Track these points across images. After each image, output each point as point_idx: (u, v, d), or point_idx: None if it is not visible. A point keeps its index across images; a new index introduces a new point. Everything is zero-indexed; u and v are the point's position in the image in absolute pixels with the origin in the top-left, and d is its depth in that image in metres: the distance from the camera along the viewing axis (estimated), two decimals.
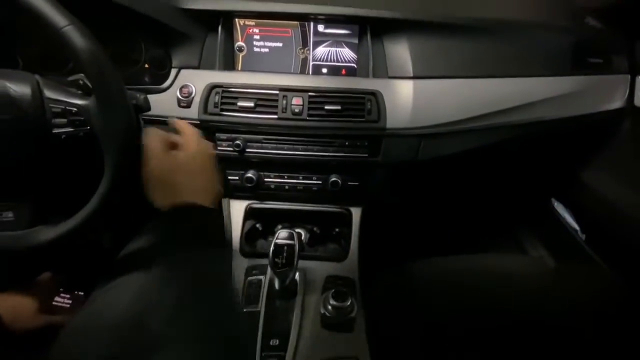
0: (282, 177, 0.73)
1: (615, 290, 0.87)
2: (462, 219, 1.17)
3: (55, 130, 0.47)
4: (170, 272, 0.38)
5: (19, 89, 0.45)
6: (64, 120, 0.47)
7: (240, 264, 0.71)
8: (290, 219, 0.78)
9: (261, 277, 0.67)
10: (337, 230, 0.77)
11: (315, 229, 0.77)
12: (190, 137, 0.49)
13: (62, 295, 0.69)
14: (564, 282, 0.98)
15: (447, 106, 0.69)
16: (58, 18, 0.41)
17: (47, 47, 0.66)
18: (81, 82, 0.49)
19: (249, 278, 0.68)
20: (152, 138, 0.47)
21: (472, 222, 1.16)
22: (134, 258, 0.43)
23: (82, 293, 0.71)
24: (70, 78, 0.49)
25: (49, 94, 0.47)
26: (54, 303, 0.68)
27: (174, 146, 0.49)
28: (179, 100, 0.66)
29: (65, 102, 0.47)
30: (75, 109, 0.46)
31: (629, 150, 0.82)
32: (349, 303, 0.59)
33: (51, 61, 0.66)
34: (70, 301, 0.68)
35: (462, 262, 0.90)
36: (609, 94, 0.78)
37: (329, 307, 0.59)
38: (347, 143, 0.69)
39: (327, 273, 0.70)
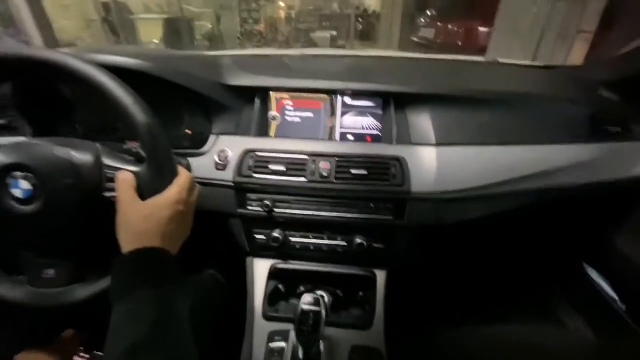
0: (308, 237, 0.74)
1: None
2: (492, 284, 1.12)
3: (107, 194, 0.51)
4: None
5: (82, 156, 0.50)
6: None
7: (262, 329, 0.69)
8: (313, 281, 0.77)
9: (284, 344, 0.65)
10: (361, 294, 0.75)
11: (338, 292, 0.75)
12: (180, 183, 0.49)
13: (81, 355, 0.68)
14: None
15: (471, 172, 0.70)
16: (124, 97, 0.48)
17: (103, 116, 0.74)
18: (134, 149, 0.54)
19: (271, 345, 0.65)
20: (123, 184, 0.47)
21: (502, 287, 1.11)
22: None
23: (101, 354, 0.69)
24: (126, 146, 0.55)
25: (107, 161, 0.51)
26: None
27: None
28: (216, 164, 0.70)
29: (120, 169, 0.51)
30: None
31: None
32: None
33: (105, 127, 0.74)
34: None
35: (495, 331, 0.84)
36: (633, 160, 0.79)
37: None
38: (372, 205, 0.70)
39: (352, 342, 0.67)
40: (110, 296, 0.40)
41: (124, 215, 0.45)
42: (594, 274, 1.02)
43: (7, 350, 0.59)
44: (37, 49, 0.50)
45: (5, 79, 0.61)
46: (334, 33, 6.42)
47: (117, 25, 4.71)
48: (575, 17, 2.64)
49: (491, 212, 0.73)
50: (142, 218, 0.45)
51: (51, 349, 0.62)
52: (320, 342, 0.61)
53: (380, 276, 0.75)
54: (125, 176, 0.48)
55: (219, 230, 0.76)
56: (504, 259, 1.12)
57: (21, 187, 0.48)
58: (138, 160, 0.53)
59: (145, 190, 0.49)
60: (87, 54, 0.61)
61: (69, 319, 0.71)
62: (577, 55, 2.64)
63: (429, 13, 4.99)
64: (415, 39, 5.00)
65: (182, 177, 0.50)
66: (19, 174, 0.48)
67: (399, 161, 0.69)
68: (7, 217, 0.49)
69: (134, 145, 0.54)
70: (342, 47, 6.51)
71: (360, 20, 7.41)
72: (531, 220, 0.95)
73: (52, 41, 1.51)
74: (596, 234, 0.93)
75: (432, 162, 0.70)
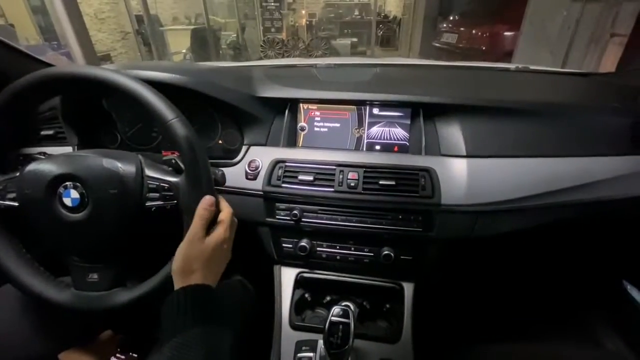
0: (334, 248, 0.74)
1: None
2: (526, 300, 1.07)
3: (148, 204, 0.53)
4: None
5: (127, 167, 0.53)
6: (157, 195, 0.53)
7: (289, 338, 0.70)
8: (339, 291, 0.77)
9: (311, 354, 0.65)
10: (387, 306, 0.75)
11: (364, 303, 0.75)
12: (223, 223, 0.52)
13: (117, 355, 0.70)
14: None
15: (504, 184, 0.68)
16: (167, 112, 0.50)
17: (141, 127, 0.78)
18: (173, 161, 0.57)
19: (299, 355, 0.65)
20: (200, 220, 0.49)
21: (537, 303, 1.06)
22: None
23: (135, 355, 0.72)
24: (165, 158, 0.57)
25: (148, 172, 0.54)
26: None
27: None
28: (246, 173, 0.72)
29: (160, 179, 0.54)
30: (167, 186, 0.53)
31: None
32: None
33: (143, 137, 0.78)
34: None
35: (528, 350, 0.81)
36: None
37: None
38: (400, 217, 0.69)
39: (380, 356, 0.66)
40: (162, 331, 0.43)
41: (187, 248, 0.48)
42: (635, 293, 0.96)
43: (54, 348, 0.62)
44: (88, 66, 0.53)
45: (57, 93, 0.65)
46: (355, 40, 6.46)
47: (149, 36, 4.93)
48: (608, 19, 2.54)
49: (525, 225, 0.71)
50: (195, 258, 0.47)
51: (91, 349, 0.65)
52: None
53: (408, 288, 0.74)
54: (204, 212, 0.49)
55: (248, 237, 0.77)
56: (539, 275, 1.08)
57: (71, 195, 0.51)
58: (176, 171, 0.56)
59: (182, 199, 0.51)
60: (131, 70, 0.65)
61: (107, 321, 0.75)
62: (609, 60, 2.53)
63: (451, 18, 4.91)
64: (437, 44, 4.93)
65: (224, 215, 0.52)
66: (69, 183, 0.51)
67: (429, 172, 0.69)
68: (57, 223, 0.52)
69: (173, 157, 0.57)
70: (363, 52, 6.53)
71: (381, 26, 7.42)
72: (569, 235, 0.91)
73: (91, 54, 1.60)
74: (638, 251, 0.88)
75: (463, 173, 0.69)
